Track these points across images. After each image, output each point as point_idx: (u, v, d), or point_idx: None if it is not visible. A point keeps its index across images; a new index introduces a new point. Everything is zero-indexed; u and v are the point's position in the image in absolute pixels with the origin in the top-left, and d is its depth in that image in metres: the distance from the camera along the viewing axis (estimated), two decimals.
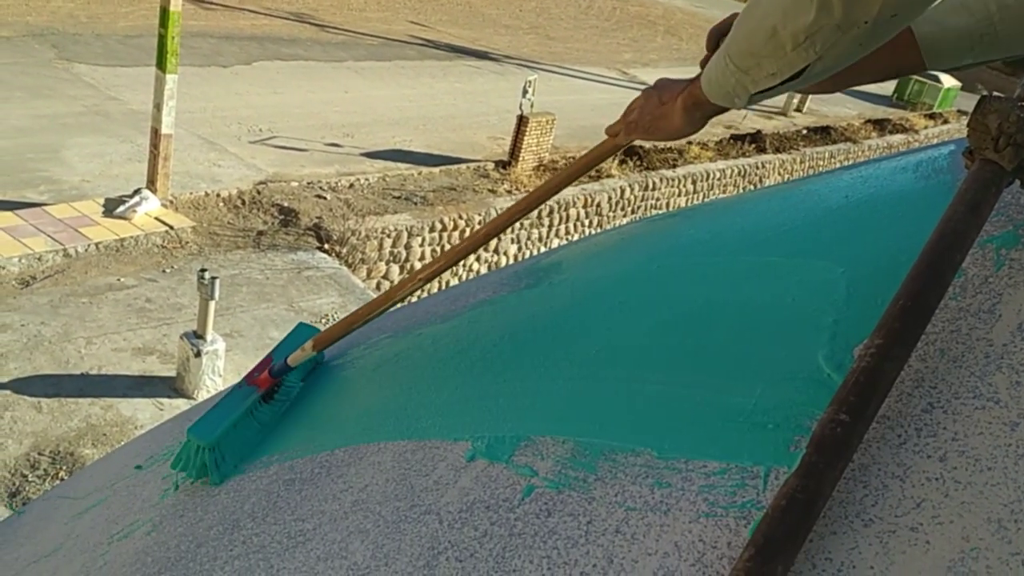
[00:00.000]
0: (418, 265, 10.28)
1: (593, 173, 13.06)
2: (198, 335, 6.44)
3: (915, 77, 23.66)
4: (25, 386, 6.23)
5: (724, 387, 0.83)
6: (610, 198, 12.88)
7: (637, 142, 1.06)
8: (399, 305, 1.15)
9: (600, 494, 0.78)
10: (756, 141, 16.49)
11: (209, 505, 1.15)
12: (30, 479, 5.52)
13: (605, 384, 0.90)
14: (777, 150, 16.76)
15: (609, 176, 13.06)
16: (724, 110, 0.90)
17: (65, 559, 1.26)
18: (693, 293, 0.97)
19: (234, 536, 1.04)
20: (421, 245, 10.22)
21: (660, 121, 0.96)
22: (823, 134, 18.61)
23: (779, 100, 19.72)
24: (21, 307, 7.05)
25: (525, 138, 12.11)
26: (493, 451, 0.89)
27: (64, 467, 5.65)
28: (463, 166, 11.97)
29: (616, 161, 13.43)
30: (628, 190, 13.15)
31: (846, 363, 0.77)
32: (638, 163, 13.75)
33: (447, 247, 10.55)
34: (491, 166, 12.20)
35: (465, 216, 10.64)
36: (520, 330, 1.07)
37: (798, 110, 19.86)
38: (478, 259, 11.02)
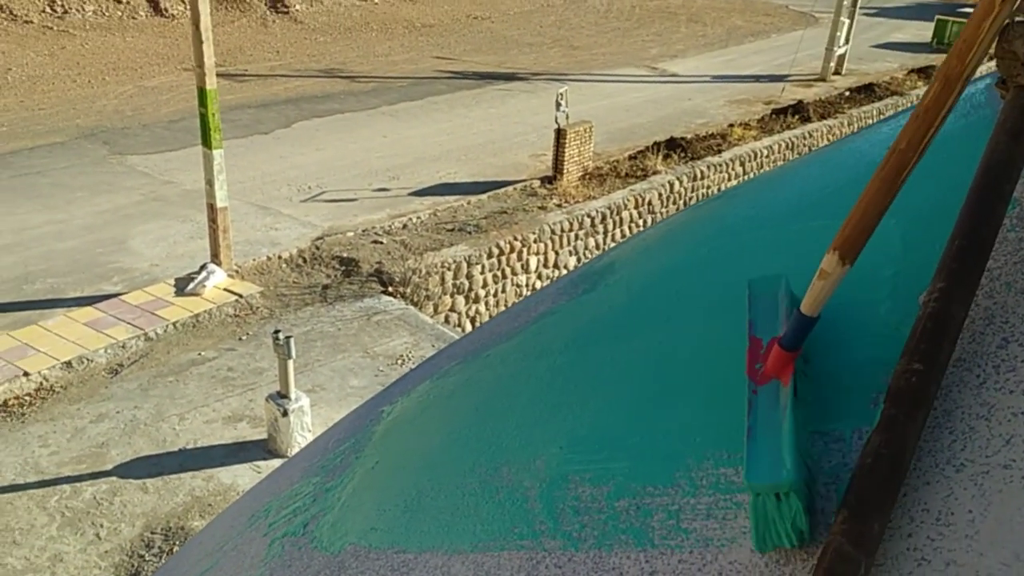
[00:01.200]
0: (482, 292, 10.36)
1: (639, 172, 12.99)
2: (282, 395, 6.59)
3: (952, 18, 22.96)
4: (129, 470, 6.46)
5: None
6: (660, 194, 12.79)
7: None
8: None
9: (685, 479, 0.78)
10: (799, 111, 16.21)
11: (314, 555, 1.18)
12: (147, 558, 5.70)
13: (671, 375, 0.90)
14: (822, 117, 16.43)
15: (656, 173, 12.98)
16: None
17: None
18: (746, 269, 0.97)
19: None
20: (482, 272, 10.29)
21: None
22: (867, 92, 18.19)
23: (816, 66, 19.34)
24: (114, 395, 7.32)
25: (566, 150, 12.13)
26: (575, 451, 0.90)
27: (177, 542, 5.83)
28: (510, 188, 12.04)
29: (660, 156, 13.33)
30: (677, 183, 13.04)
31: (912, 313, 0.76)
32: (683, 155, 13.63)
33: (507, 271, 10.60)
34: (537, 183, 12.24)
35: (520, 237, 10.69)
36: (582, 336, 1.08)
37: (837, 73, 19.47)
38: (539, 277, 11.05)
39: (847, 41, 19.67)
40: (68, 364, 7.57)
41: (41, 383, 7.37)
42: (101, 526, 5.92)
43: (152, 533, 5.91)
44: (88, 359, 7.68)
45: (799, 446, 0.74)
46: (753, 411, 0.80)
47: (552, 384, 1.05)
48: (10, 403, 7.13)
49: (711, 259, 1.03)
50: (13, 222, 10.15)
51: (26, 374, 7.34)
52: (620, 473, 0.84)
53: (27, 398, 7.21)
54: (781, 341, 0.82)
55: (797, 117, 16.01)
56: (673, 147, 13.70)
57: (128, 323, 8.19)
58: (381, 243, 10.18)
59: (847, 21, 19.42)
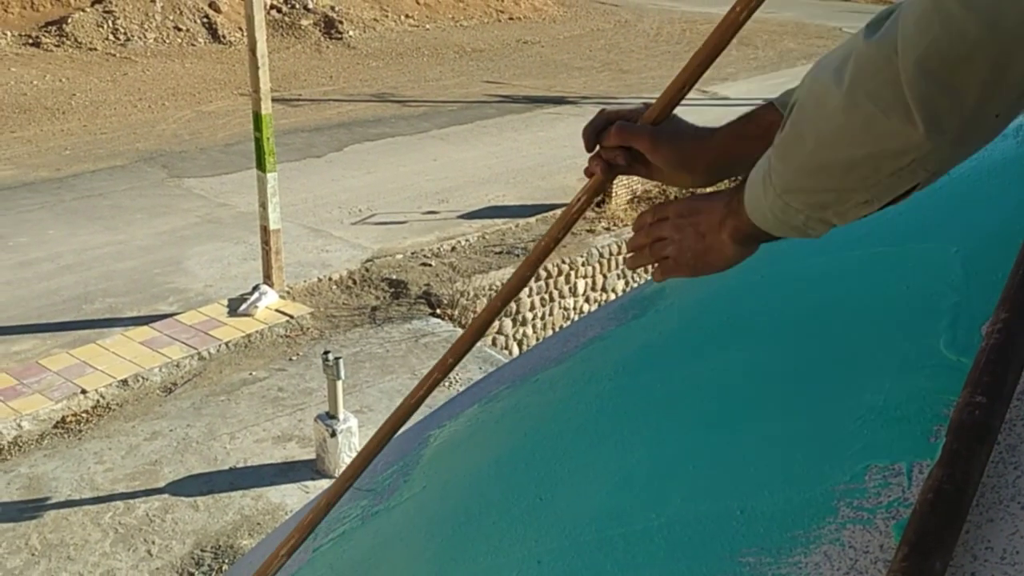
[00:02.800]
0: (529, 316, 10.35)
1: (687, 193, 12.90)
2: (331, 416, 6.65)
3: None
4: (181, 487, 6.56)
5: (850, 387, 0.81)
6: None
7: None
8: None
9: (740, 511, 0.77)
10: None
11: None
12: None
13: (725, 403, 0.89)
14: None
15: None
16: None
17: None
18: (802, 297, 0.95)
19: None
20: (529, 295, 10.29)
21: (708, 256, 0.83)
22: None
23: None
24: (167, 413, 7.46)
25: None
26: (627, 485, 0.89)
27: (226, 560, 5.89)
28: (558, 211, 12.06)
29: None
30: None
31: (974, 343, 0.74)
32: (734, 179, 13.52)
33: (555, 293, 10.59)
34: None
35: (568, 260, 10.68)
36: (633, 361, 1.07)
37: None
38: (587, 300, 11.01)
39: None
40: (124, 382, 7.74)
41: (98, 401, 7.54)
42: (153, 543, 6.01)
43: (202, 551, 5.98)
44: (143, 377, 7.85)
45: None
46: None
47: (602, 410, 1.05)
48: (68, 420, 7.30)
49: (764, 286, 1.02)
50: (75, 243, 10.45)
51: (84, 392, 7.52)
52: (673, 504, 0.83)
53: (84, 415, 7.38)
54: None
55: None
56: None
57: (182, 343, 8.35)
58: (430, 265, 10.25)
59: None
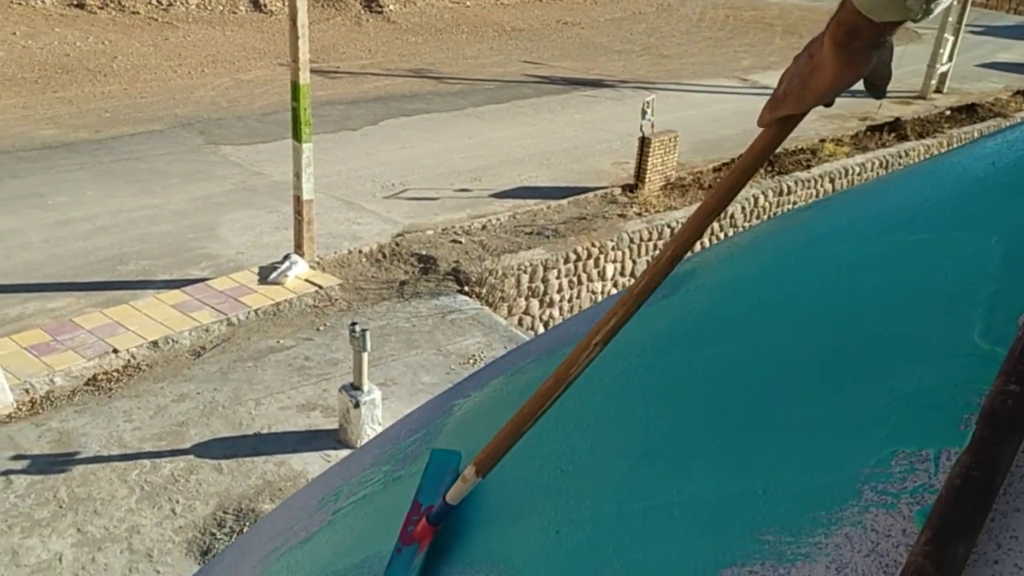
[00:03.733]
0: (557, 297, 10.35)
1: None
2: (355, 387, 6.71)
3: None
4: (206, 450, 6.66)
5: (880, 373, 0.80)
6: (744, 208, 12.57)
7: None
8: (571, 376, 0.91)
9: (761, 489, 0.76)
10: (896, 129, 15.73)
11: (380, 541, 1.19)
12: (218, 537, 5.87)
13: (750, 385, 0.88)
14: (920, 136, 15.91)
15: None
16: (889, 32, 0.69)
17: None
18: (836, 282, 0.94)
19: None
20: (558, 277, 10.28)
21: (811, 79, 0.75)
22: (969, 112, 17.54)
23: (916, 83, 18.74)
24: (195, 376, 7.57)
25: (649, 159, 12.03)
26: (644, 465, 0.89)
27: (247, 523, 5.98)
28: (590, 195, 12.01)
29: None
30: (762, 197, 12.80)
31: (1010, 334, 0.73)
32: (769, 169, 13.38)
33: (583, 276, 10.57)
34: (618, 191, 12.18)
35: (598, 244, 10.64)
36: (660, 339, 1.07)
37: (938, 91, 18.82)
38: (615, 285, 10.97)
39: (950, 59, 18.99)
40: (155, 344, 7.86)
41: (129, 360, 7.67)
42: (177, 502, 6.12)
43: (224, 513, 6.08)
44: (173, 340, 7.96)
45: None
46: (391, 566, 0.99)
47: (627, 386, 1.05)
48: (99, 378, 7.44)
49: (798, 269, 1.01)
50: (112, 204, 10.60)
51: (115, 351, 7.65)
52: (694, 481, 0.82)
53: (115, 374, 7.51)
54: (429, 516, 1.00)
55: (893, 135, 15.54)
56: None
57: (212, 308, 8.46)
58: (460, 243, 10.27)
59: (951, 38, 18.75)
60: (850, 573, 0.66)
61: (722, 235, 12.26)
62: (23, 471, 6.30)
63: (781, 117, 0.81)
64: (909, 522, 0.66)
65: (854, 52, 0.71)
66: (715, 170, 13.18)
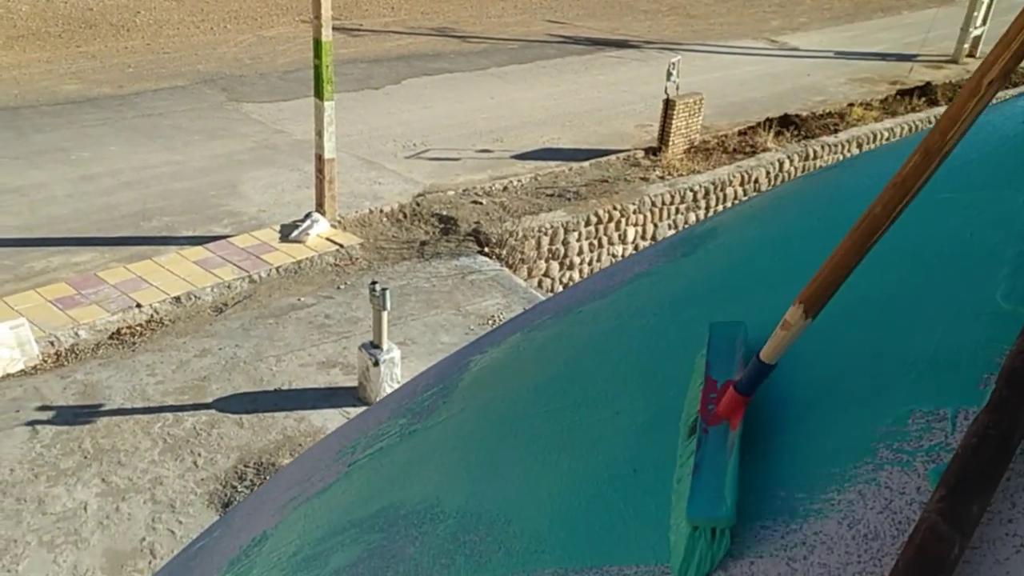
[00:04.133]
0: (577, 260, 10.33)
1: (747, 148, 12.65)
2: (375, 345, 6.76)
3: None
4: (227, 404, 6.76)
5: (900, 332, 0.79)
6: (768, 172, 12.43)
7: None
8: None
9: (776, 449, 0.76)
10: (926, 94, 15.42)
11: (394, 490, 1.21)
12: (239, 489, 5.98)
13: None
14: (951, 100, 15.56)
15: (765, 150, 12.60)
16: None
17: (273, 544, 1.36)
18: None
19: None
20: (578, 240, 10.25)
21: None
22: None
23: (949, 47, 18.34)
24: (217, 332, 7.65)
25: (673, 122, 11.90)
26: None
27: (267, 477, 6.08)
28: (613, 157, 11.91)
29: (771, 133, 12.94)
30: (787, 162, 12.65)
31: None
32: (796, 133, 13.19)
33: (603, 239, 10.53)
34: (641, 154, 12.07)
35: (619, 207, 10.58)
36: (679, 298, 1.06)
37: (971, 55, 18.41)
38: (636, 248, 10.93)
39: (984, 22, 18.54)
40: (177, 299, 7.94)
41: (152, 315, 7.76)
42: (199, 455, 6.23)
43: (245, 466, 6.18)
44: (196, 296, 8.04)
45: (741, 489, 0.76)
46: (702, 449, 0.82)
47: (644, 344, 1.04)
48: (123, 332, 7.53)
49: (822, 229, 1.00)
50: (135, 160, 10.65)
51: (139, 306, 7.74)
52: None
53: (138, 328, 7.61)
54: (737, 385, 0.83)
55: (924, 100, 15.24)
56: (786, 124, 13.27)
57: (235, 265, 8.52)
58: (481, 204, 10.25)
59: (985, 1, 18.29)
60: (862, 529, 0.66)
61: (745, 199, 12.16)
62: (49, 422, 6.42)
63: None
64: (924, 480, 0.66)
65: None
66: (740, 133, 13.02)
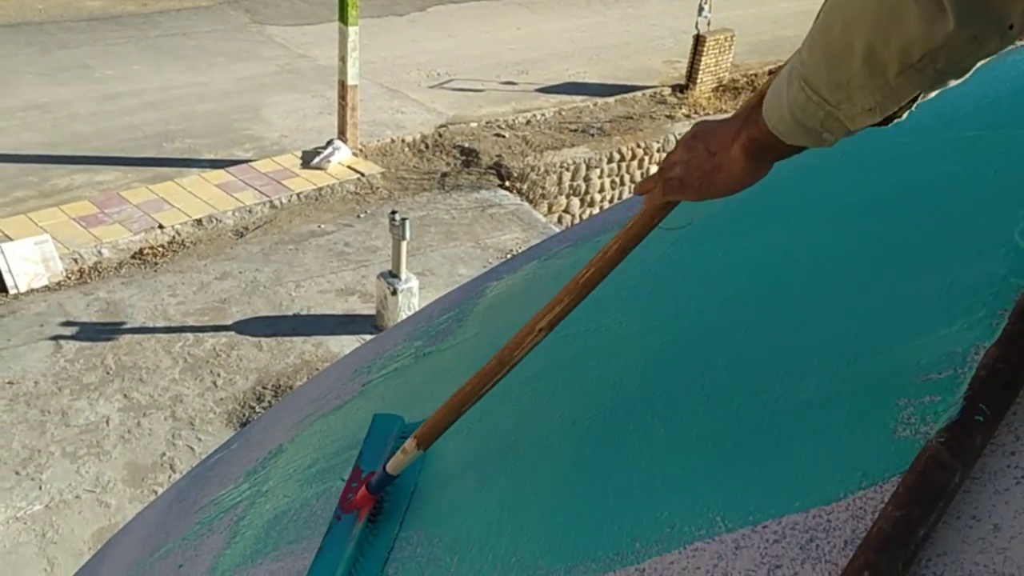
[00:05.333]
0: (598, 197, 10.26)
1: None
2: (393, 274, 6.80)
3: None
4: (247, 327, 6.85)
5: (917, 268, 0.79)
6: None
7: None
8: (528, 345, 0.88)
9: (784, 376, 0.77)
10: None
11: (403, 406, 1.23)
12: (257, 410, 6.10)
13: (784, 273, 0.88)
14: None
15: None
16: (801, 149, 0.71)
17: (290, 456, 1.40)
18: (883, 176, 0.92)
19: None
20: (600, 177, 10.17)
21: (715, 175, 0.76)
22: None
23: None
24: (238, 256, 7.71)
25: (703, 59, 11.66)
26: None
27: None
28: (639, 94, 11.73)
29: None
30: None
31: None
32: None
33: (626, 177, 10.44)
34: (668, 91, 11.87)
35: (643, 145, 10.46)
36: (697, 230, 1.06)
37: None
38: None
39: None
40: (199, 222, 7.98)
41: (174, 237, 7.82)
42: (218, 375, 6.34)
43: (263, 388, 6.29)
44: (217, 219, 8.08)
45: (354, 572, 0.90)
46: (330, 533, 0.97)
47: (660, 273, 1.05)
48: (145, 252, 7.61)
49: (845, 163, 0.99)
50: (159, 80, 10.60)
51: (161, 227, 7.80)
52: (717, 367, 0.83)
53: (160, 249, 7.68)
54: (369, 484, 0.97)
55: None
56: None
57: (256, 189, 8.53)
58: (503, 137, 10.16)
59: None
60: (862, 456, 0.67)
61: None
62: (72, 337, 6.54)
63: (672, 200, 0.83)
64: (930, 410, 0.67)
65: (764, 161, 0.75)
66: (771, 72, 12.73)
